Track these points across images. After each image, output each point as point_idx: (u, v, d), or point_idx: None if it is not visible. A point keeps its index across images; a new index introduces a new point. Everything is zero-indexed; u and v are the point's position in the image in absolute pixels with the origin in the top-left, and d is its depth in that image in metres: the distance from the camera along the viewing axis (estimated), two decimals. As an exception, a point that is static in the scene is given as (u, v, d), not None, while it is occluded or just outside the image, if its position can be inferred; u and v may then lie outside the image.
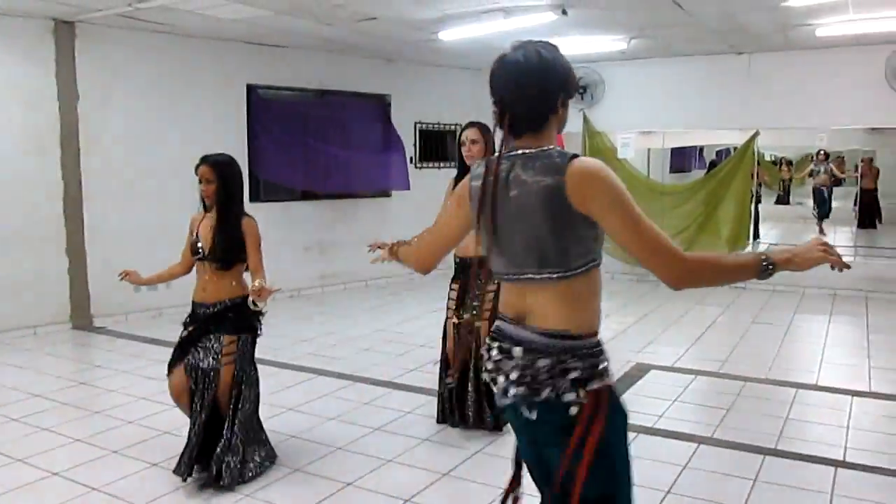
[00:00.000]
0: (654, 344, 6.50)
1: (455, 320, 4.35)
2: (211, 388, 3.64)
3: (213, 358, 3.64)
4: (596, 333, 1.92)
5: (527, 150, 1.93)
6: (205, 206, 3.76)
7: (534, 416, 1.87)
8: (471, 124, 4.27)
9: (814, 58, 8.45)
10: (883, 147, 16.00)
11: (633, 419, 2.04)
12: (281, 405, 4.83)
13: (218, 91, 8.05)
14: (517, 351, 1.89)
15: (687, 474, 3.80)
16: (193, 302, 3.73)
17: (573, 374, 1.84)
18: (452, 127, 10.48)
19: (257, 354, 3.81)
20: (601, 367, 1.87)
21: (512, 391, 1.89)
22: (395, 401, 5.00)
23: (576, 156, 1.85)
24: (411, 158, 9.82)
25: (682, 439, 4.28)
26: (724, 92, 8.99)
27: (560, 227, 1.84)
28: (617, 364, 5.26)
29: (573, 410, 1.82)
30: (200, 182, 3.66)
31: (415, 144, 9.99)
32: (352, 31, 7.50)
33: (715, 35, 7.75)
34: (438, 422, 4.52)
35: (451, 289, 4.42)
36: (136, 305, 7.55)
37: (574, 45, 8.39)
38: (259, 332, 3.78)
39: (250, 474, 3.70)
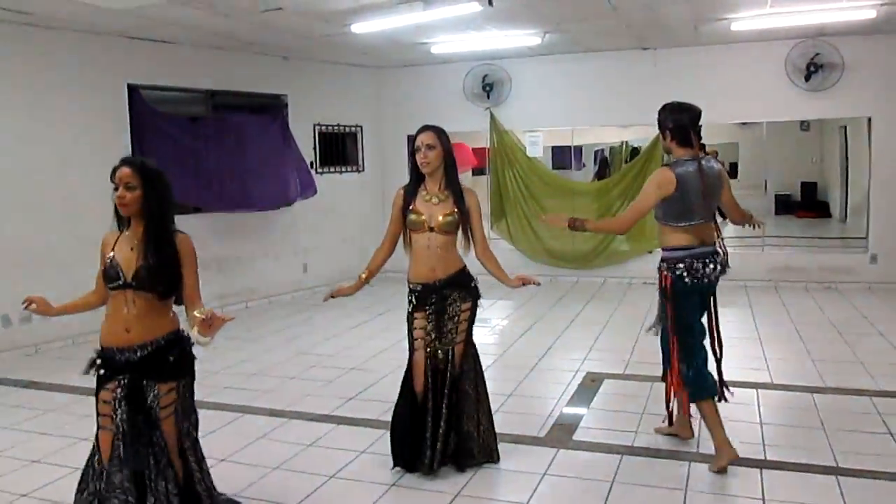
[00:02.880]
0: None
1: (424, 352, 3.79)
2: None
3: (147, 407, 2.90)
4: None
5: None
6: (120, 221, 3.00)
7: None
8: (426, 128, 3.75)
9: (719, 53, 8.54)
10: (745, 140, 16.94)
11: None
12: (209, 455, 4.09)
13: (94, 91, 7.03)
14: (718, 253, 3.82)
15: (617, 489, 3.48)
16: (107, 347, 2.91)
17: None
18: (353, 129, 9.86)
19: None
20: None
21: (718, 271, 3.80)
22: (343, 439, 4.39)
23: None
24: (311, 163, 9.11)
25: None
26: (631, 88, 8.93)
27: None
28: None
29: None
30: (117, 189, 2.88)
31: (315, 148, 9.29)
32: (251, 24, 6.75)
33: (629, 29, 7.63)
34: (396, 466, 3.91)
35: (413, 319, 3.82)
36: (4, 342, 6.46)
37: (480, 42, 8.06)
38: None
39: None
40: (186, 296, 2.93)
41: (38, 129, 6.62)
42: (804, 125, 15.06)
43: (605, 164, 15.38)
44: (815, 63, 8.10)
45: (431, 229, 3.72)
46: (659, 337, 4.01)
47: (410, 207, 3.77)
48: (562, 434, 4.35)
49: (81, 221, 6.92)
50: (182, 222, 7.94)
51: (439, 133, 3.74)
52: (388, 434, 3.93)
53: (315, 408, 4.94)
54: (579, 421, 4.57)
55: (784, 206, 16.56)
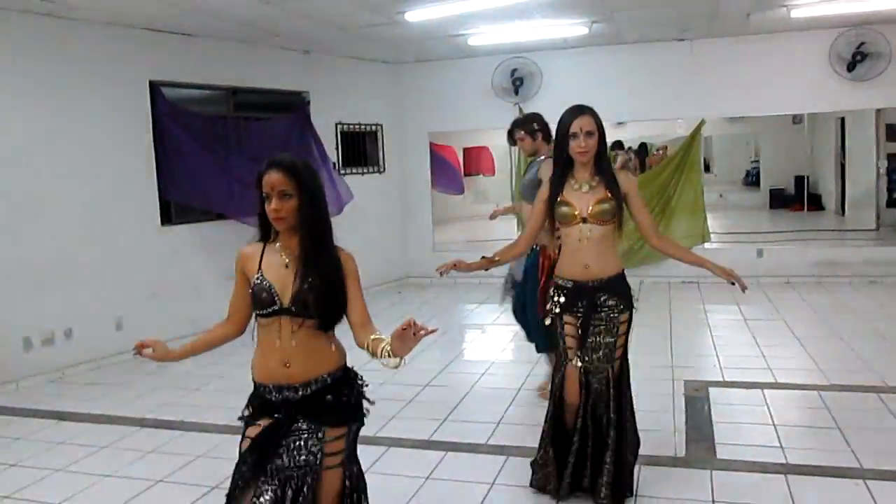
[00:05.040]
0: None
1: (578, 364, 3.36)
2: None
3: (308, 455, 2.41)
4: None
5: None
6: (266, 233, 2.49)
7: None
8: (581, 110, 3.30)
9: (758, 43, 8.27)
10: (732, 135, 16.89)
11: None
12: None
13: (117, 90, 6.41)
14: None
15: None
16: (262, 383, 2.41)
17: None
18: (373, 127, 9.35)
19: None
20: None
21: None
22: (462, 469, 3.93)
23: None
24: (334, 164, 8.57)
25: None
26: (666, 81, 8.61)
27: None
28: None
29: None
30: (267, 198, 2.36)
31: (337, 148, 8.76)
32: (288, 13, 6.22)
33: (679, 19, 7.31)
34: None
35: (563, 323, 3.39)
36: (28, 367, 5.81)
37: (518, 33, 7.67)
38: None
39: None
40: (356, 320, 2.39)
41: (56, 129, 5.98)
42: (796, 118, 15.04)
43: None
44: (861, 52, 7.89)
45: (584, 220, 3.28)
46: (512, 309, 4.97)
47: (559, 199, 3.34)
48: (703, 452, 3.96)
49: (104, 231, 6.33)
50: (206, 232, 7.43)
51: (596, 116, 3.31)
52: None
53: (426, 433, 4.44)
54: (712, 436, 4.18)
55: (779, 200, 16.55)
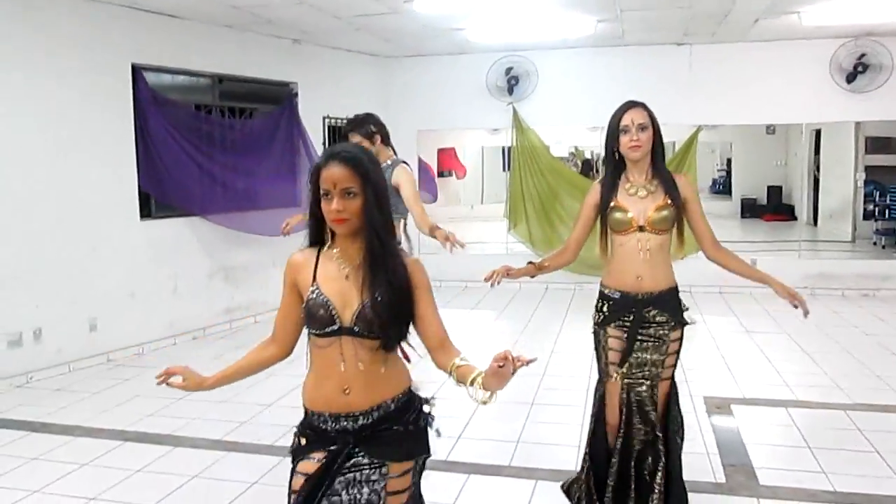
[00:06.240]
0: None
1: (620, 380, 3.07)
2: None
3: (371, 495, 2.06)
4: None
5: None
6: (320, 237, 2.09)
7: None
8: (633, 104, 3.00)
9: (758, 51, 8.16)
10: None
11: None
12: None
13: (97, 72, 5.93)
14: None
15: None
16: (316, 412, 2.03)
17: None
18: (360, 123, 8.95)
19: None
20: None
21: None
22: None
23: None
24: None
25: None
26: (663, 85, 8.40)
27: None
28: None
29: None
30: (326, 196, 1.98)
31: (324, 143, 8.36)
32: (287, -2, 5.85)
33: (689, 21, 7.11)
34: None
35: (606, 336, 3.11)
36: (-9, 373, 5.32)
37: (518, 29, 7.40)
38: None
39: None
40: (434, 340, 2.04)
41: (27, 112, 5.49)
42: (770, 129, 15.11)
43: (588, 167, 14.96)
44: (862, 63, 7.82)
45: (642, 228, 2.99)
46: None
47: (612, 204, 3.04)
48: (744, 478, 3.72)
49: (78, 223, 5.86)
50: (187, 227, 6.97)
51: (649, 110, 3.02)
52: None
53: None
54: (748, 459, 3.95)
55: (750, 209, 16.63)
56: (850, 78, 7.92)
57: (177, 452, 4.20)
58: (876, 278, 8.40)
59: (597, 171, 13.92)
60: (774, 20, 6.96)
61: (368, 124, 4.22)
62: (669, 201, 2.99)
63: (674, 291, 3.11)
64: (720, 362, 5.85)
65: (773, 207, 16.25)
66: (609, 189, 3.08)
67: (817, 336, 6.53)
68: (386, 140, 4.28)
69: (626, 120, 2.97)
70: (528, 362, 1.74)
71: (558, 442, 4.23)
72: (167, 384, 2.09)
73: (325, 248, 2.06)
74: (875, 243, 11.95)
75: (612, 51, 8.49)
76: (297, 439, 2.10)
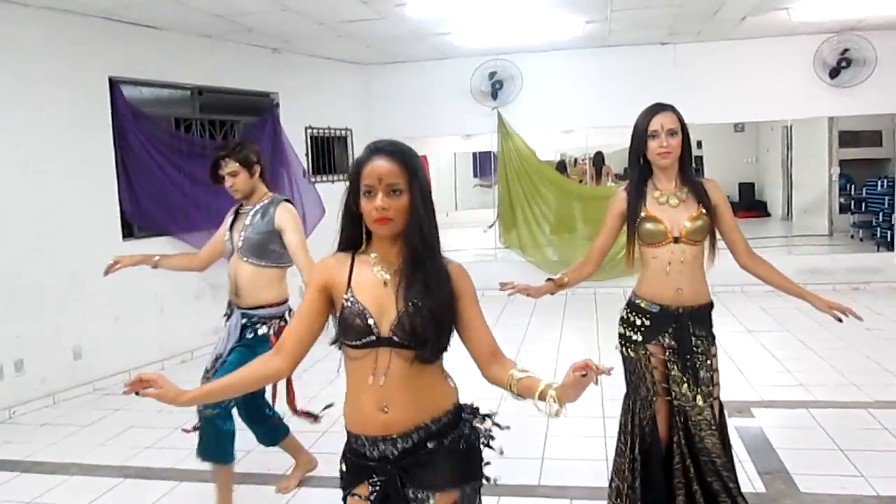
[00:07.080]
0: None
1: (665, 398, 2.93)
2: None
3: None
4: None
5: None
6: (356, 240, 1.88)
7: None
8: (662, 107, 2.87)
9: (741, 48, 8.17)
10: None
11: None
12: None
13: (74, 86, 5.65)
14: None
15: None
16: (355, 434, 1.86)
17: None
18: (342, 132, 8.75)
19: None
20: None
21: None
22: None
23: None
24: (304, 172, 7.95)
25: None
26: (649, 86, 8.31)
27: None
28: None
29: None
30: (369, 193, 1.78)
31: (307, 154, 8.14)
32: (272, 1, 5.62)
33: (675, 20, 7.06)
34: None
35: (648, 353, 2.94)
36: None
37: (503, 31, 7.28)
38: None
39: None
40: (484, 350, 1.88)
41: (1, 129, 5.20)
42: (738, 126, 15.22)
43: (562, 168, 14.87)
44: (846, 58, 7.85)
45: (676, 240, 2.85)
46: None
47: (643, 214, 2.89)
48: (784, 486, 3.60)
49: (59, 246, 5.58)
50: (171, 246, 6.69)
51: (679, 114, 2.88)
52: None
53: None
54: (781, 465, 3.84)
55: (724, 206, 16.77)
56: (834, 73, 7.95)
57: (182, 488, 3.96)
58: (866, 272, 8.44)
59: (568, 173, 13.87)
60: (762, 16, 6.93)
61: (249, 152, 3.62)
62: (703, 210, 2.86)
63: (711, 306, 2.98)
64: (729, 364, 5.74)
65: (745, 204, 16.35)
66: (636, 197, 2.92)
67: (819, 332, 6.48)
68: (263, 175, 3.70)
69: (655, 124, 2.82)
70: (609, 371, 1.65)
71: (585, 456, 4.07)
72: (142, 394, 1.72)
73: (360, 251, 1.88)
74: (853, 236, 12.05)
75: (596, 52, 8.42)
76: (340, 464, 1.94)
